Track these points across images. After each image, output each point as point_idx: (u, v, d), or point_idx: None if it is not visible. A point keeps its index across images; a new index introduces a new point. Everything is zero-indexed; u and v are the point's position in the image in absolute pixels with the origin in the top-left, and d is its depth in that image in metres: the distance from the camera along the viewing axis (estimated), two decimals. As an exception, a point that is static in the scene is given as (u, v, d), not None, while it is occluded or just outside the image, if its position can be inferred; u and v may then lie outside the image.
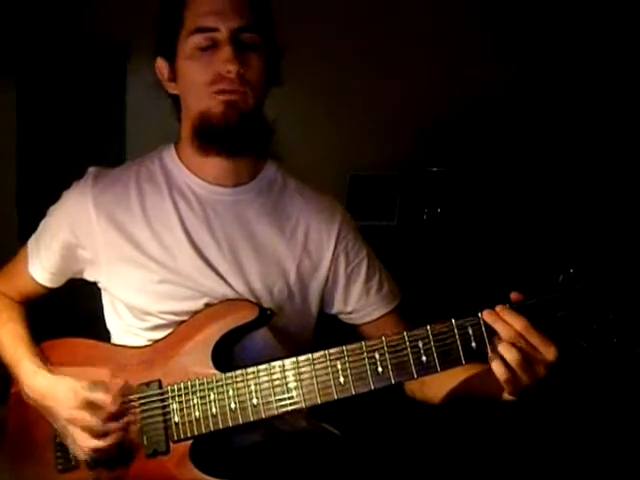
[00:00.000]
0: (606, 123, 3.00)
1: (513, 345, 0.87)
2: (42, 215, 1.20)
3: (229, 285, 1.10)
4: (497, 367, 0.88)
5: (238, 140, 1.06)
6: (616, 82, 3.00)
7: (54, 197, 1.18)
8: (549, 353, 0.87)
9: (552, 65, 3.18)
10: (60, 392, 1.04)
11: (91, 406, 1.02)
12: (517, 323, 0.87)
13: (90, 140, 3.21)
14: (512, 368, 0.87)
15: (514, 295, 0.91)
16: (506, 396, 0.94)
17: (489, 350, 0.89)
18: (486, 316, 0.89)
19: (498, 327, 0.88)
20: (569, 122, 3.09)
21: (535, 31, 3.20)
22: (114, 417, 1.03)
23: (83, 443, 1.02)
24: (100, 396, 1.03)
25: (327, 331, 1.22)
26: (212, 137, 1.06)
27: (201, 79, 1.04)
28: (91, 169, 1.17)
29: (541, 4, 3.17)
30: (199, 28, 1.04)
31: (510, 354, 0.87)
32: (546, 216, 2.85)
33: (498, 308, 0.89)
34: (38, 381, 1.08)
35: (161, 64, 1.11)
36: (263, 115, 1.10)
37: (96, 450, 1.02)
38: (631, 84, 2.92)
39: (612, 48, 2.98)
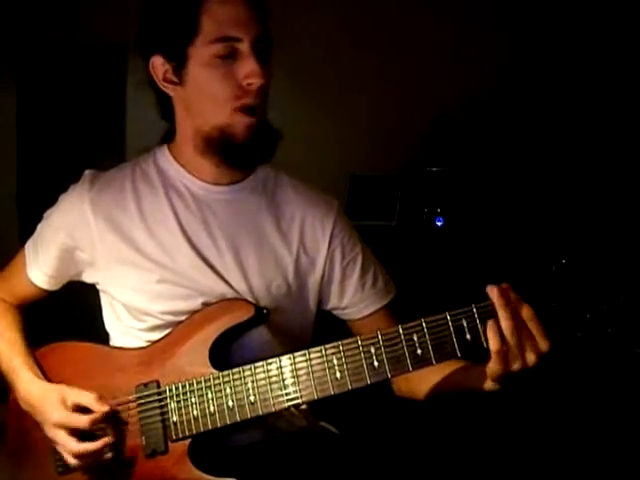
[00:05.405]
0: (603, 123, 3.01)
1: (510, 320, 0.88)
2: (42, 215, 1.20)
3: (227, 283, 1.10)
4: (492, 335, 0.88)
5: (254, 153, 1.07)
6: (615, 82, 3.00)
7: (54, 198, 1.18)
8: (543, 344, 0.89)
9: (552, 65, 3.18)
10: (51, 399, 1.05)
11: (80, 410, 1.03)
12: (524, 311, 0.89)
13: (90, 141, 3.21)
14: (507, 340, 0.88)
15: (504, 286, 0.92)
16: (488, 385, 0.94)
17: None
18: (495, 297, 0.90)
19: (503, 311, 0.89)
20: (568, 122, 3.10)
21: (535, 31, 3.21)
22: (104, 420, 1.03)
23: (69, 447, 1.02)
24: (88, 398, 1.04)
25: (325, 328, 1.22)
26: (229, 152, 1.06)
27: (222, 92, 1.02)
28: (87, 172, 1.17)
29: (541, 4, 3.17)
30: (223, 37, 1.00)
31: (507, 325, 0.88)
32: (544, 214, 2.86)
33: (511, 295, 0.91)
34: (33, 390, 1.08)
35: (159, 62, 1.06)
36: (268, 121, 1.09)
37: (83, 456, 1.02)
38: (630, 84, 2.93)
39: (612, 48, 2.98)
